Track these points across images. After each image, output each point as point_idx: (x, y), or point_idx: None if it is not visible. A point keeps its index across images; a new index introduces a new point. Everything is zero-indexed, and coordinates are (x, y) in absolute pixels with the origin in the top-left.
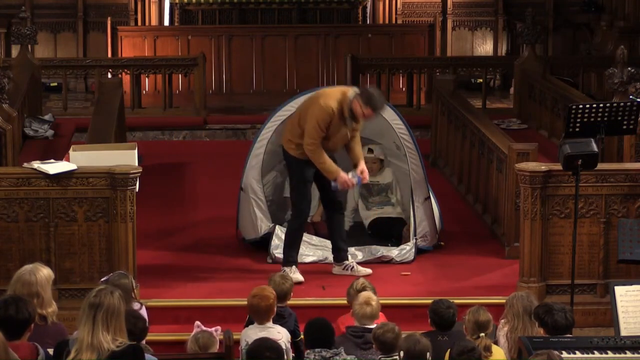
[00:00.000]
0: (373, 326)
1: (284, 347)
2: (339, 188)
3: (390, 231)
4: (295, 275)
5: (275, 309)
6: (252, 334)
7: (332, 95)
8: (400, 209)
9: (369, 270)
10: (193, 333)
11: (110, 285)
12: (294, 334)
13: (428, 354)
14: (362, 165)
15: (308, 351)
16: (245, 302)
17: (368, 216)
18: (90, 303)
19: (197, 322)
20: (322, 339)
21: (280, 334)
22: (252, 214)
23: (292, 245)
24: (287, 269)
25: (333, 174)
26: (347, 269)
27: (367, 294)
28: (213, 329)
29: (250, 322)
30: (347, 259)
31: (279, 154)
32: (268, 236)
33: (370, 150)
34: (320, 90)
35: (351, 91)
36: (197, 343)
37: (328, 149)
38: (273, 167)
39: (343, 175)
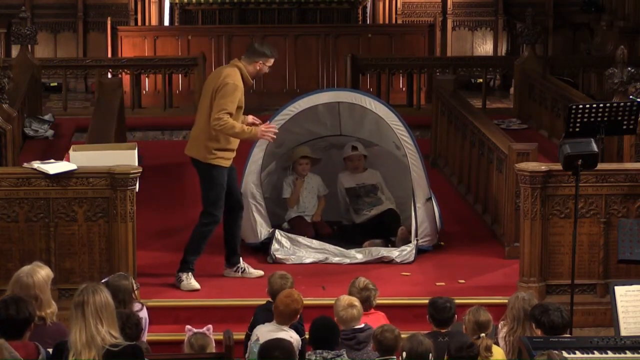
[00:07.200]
0: (361, 325)
1: None
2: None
3: (387, 228)
4: (191, 282)
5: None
6: (265, 331)
7: None
8: (389, 203)
9: None
10: (186, 338)
11: (98, 284)
12: (297, 332)
13: (430, 355)
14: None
15: (309, 352)
16: (245, 302)
17: (361, 219)
18: (75, 302)
19: (188, 326)
20: (327, 338)
21: (292, 339)
22: (251, 219)
23: (195, 250)
24: (182, 275)
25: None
26: None
27: (347, 297)
28: (204, 328)
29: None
30: None
31: (275, 156)
32: (268, 241)
33: (354, 148)
34: None
35: None
36: (193, 347)
37: None
38: (267, 166)
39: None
